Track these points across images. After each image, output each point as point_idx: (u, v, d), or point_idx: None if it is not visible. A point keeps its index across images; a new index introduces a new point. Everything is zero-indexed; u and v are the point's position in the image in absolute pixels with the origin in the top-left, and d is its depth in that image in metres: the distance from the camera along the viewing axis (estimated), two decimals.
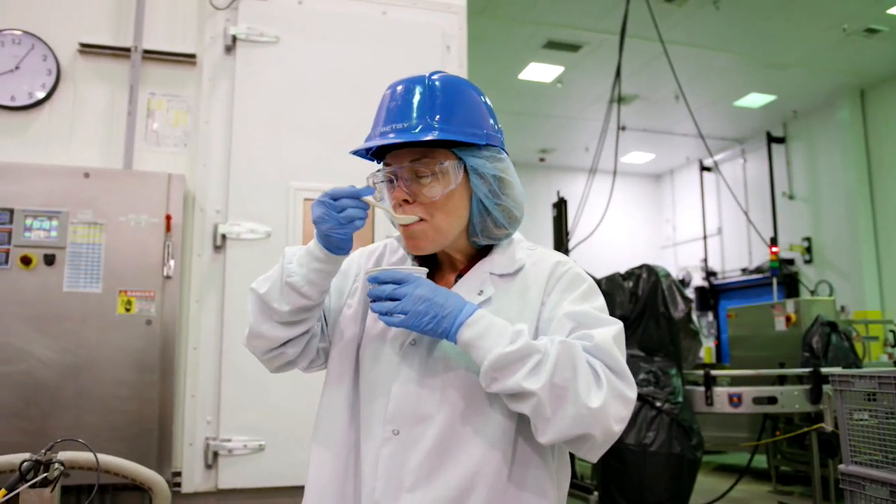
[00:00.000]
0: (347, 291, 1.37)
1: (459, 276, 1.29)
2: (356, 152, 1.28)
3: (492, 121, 1.28)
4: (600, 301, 1.24)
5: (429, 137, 1.17)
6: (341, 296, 1.37)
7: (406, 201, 1.22)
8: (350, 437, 1.26)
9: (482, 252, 1.31)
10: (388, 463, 1.17)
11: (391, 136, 1.20)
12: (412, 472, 1.15)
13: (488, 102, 1.30)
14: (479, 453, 1.15)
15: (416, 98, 1.22)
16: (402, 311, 1.12)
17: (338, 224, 1.17)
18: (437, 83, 1.24)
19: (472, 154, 1.24)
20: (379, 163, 1.31)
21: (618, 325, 1.18)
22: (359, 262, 1.41)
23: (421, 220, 1.22)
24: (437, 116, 1.20)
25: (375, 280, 1.16)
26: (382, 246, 1.41)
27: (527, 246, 1.33)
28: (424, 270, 1.20)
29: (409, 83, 1.25)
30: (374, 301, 1.16)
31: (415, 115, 1.20)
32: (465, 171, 1.24)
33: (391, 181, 1.25)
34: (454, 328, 1.12)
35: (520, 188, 1.31)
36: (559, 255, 1.31)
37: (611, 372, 1.11)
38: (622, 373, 1.12)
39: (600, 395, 1.08)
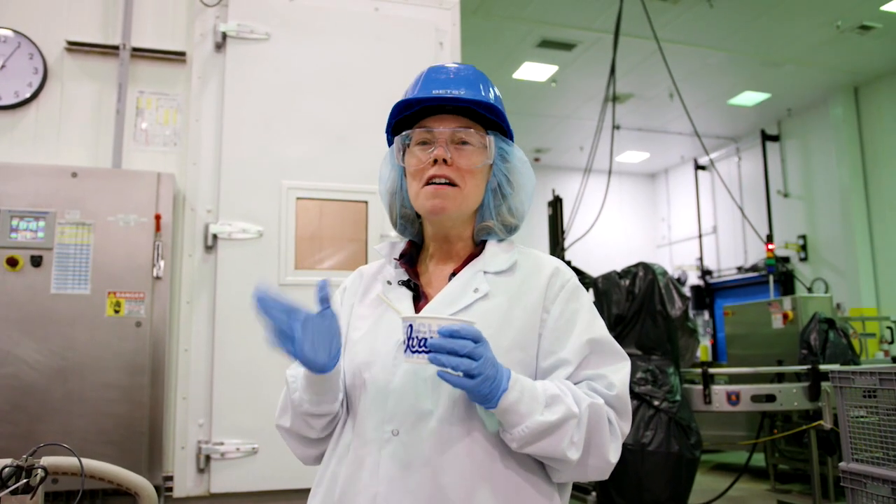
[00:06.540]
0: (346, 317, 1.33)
1: (453, 275, 1.27)
2: (403, 103, 1.25)
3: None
4: (601, 318, 1.29)
5: (492, 101, 1.24)
6: (346, 326, 1.32)
7: (445, 161, 1.22)
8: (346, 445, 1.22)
9: (474, 253, 1.31)
10: (390, 465, 1.12)
11: (457, 92, 1.22)
12: (416, 474, 1.10)
13: None
14: (480, 450, 1.12)
15: (469, 73, 1.29)
16: (477, 373, 1.01)
17: (276, 340, 1.05)
18: (482, 73, 1.32)
19: (501, 139, 1.31)
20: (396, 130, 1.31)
21: (628, 365, 1.23)
22: (353, 286, 1.38)
23: (451, 184, 1.23)
24: (492, 93, 1.29)
25: (451, 333, 1.01)
26: (378, 266, 1.39)
27: (517, 247, 1.34)
28: (474, 322, 1.07)
29: (456, 65, 1.32)
30: (441, 354, 1.01)
31: (471, 85, 1.26)
32: None
33: (424, 143, 1.25)
34: (500, 393, 1.05)
35: (533, 183, 1.35)
36: (555, 260, 1.33)
37: (621, 419, 1.18)
38: (627, 415, 1.19)
39: (616, 447, 1.16)
